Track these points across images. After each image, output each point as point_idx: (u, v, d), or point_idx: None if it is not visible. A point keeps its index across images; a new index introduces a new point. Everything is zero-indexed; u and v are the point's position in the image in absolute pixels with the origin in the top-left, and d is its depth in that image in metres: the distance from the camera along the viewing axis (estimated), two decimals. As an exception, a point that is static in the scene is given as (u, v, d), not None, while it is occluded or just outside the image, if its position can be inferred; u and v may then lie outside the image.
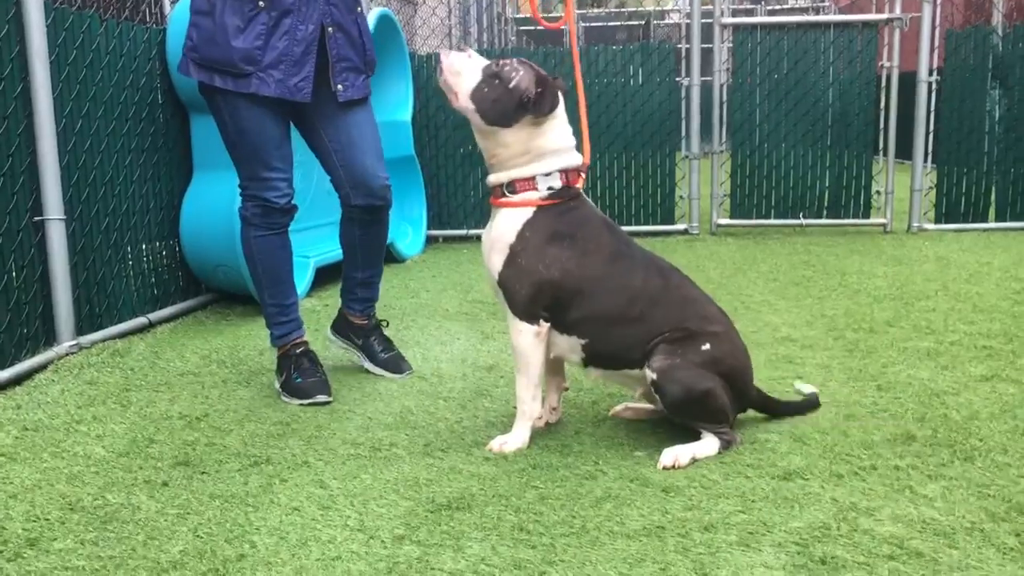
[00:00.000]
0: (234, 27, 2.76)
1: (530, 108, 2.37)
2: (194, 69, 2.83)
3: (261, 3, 2.77)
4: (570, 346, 2.50)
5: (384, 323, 3.34)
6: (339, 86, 2.92)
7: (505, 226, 2.44)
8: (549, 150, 2.43)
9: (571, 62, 6.42)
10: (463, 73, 2.43)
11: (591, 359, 2.51)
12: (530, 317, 2.44)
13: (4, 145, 3.22)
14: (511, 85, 2.37)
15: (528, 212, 2.43)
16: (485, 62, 2.45)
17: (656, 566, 1.83)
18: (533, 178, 2.42)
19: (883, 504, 2.07)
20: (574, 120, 2.52)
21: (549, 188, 2.43)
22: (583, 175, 2.50)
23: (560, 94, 2.44)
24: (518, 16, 14.49)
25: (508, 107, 2.37)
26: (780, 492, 2.15)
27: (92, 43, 3.73)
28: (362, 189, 3.02)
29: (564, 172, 2.44)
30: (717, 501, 2.12)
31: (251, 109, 2.83)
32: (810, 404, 2.68)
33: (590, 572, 1.82)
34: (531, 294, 2.42)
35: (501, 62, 2.43)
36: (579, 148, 2.51)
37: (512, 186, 2.44)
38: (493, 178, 2.48)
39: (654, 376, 2.38)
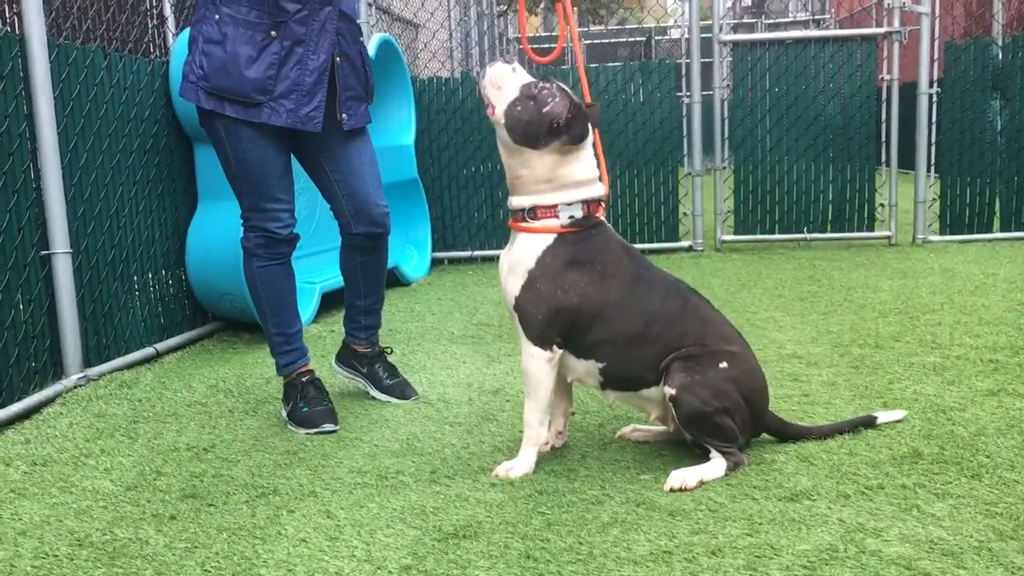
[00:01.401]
0: (246, 57, 2.79)
1: (560, 134, 2.37)
2: (204, 97, 2.83)
3: (273, 32, 2.79)
4: (587, 370, 2.50)
5: (389, 350, 3.35)
6: (343, 115, 2.94)
7: (525, 251, 2.44)
8: (573, 181, 2.42)
9: (572, 81, 6.48)
10: (502, 87, 2.43)
11: (608, 382, 2.51)
12: (544, 342, 2.44)
13: (10, 180, 3.25)
14: (545, 109, 2.37)
15: (548, 239, 2.43)
16: (527, 79, 2.44)
17: (663, 592, 1.83)
18: (555, 206, 2.42)
19: (891, 524, 2.06)
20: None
21: (570, 217, 2.43)
22: (604, 205, 2.52)
23: (591, 124, 2.43)
24: (519, 36, 14.57)
25: (539, 130, 2.37)
26: (787, 514, 2.14)
27: (95, 77, 3.77)
28: (363, 217, 3.04)
29: (586, 203, 2.44)
30: (724, 524, 2.11)
31: (254, 140, 2.85)
32: (829, 429, 2.64)
33: (597, 600, 1.82)
34: (547, 319, 2.42)
35: (540, 84, 2.41)
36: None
37: (533, 212, 2.44)
38: (516, 201, 2.47)
39: (673, 392, 2.39)
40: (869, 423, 2.67)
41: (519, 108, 2.39)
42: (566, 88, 2.43)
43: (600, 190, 2.48)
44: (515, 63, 2.49)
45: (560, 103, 2.38)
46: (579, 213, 2.44)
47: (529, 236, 2.45)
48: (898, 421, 2.70)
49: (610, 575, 1.91)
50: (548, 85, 2.42)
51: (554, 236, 2.43)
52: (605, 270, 2.44)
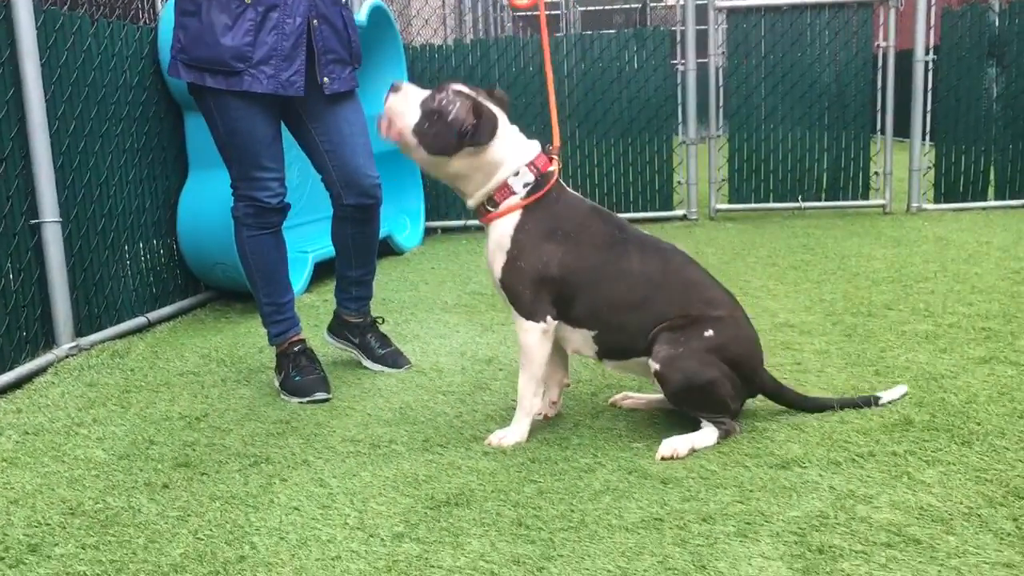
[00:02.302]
0: (222, 25, 2.76)
1: (468, 139, 2.39)
2: (184, 70, 2.83)
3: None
4: (583, 339, 2.51)
5: (380, 320, 3.34)
6: (325, 79, 2.91)
7: (500, 233, 2.46)
8: (503, 158, 2.43)
9: (567, 48, 6.43)
10: (404, 113, 2.45)
11: (604, 352, 2.52)
12: (534, 315, 2.45)
13: (-3, 149, 3.22)
14: (449, 119, 2.39)
15: (516, 215, 2.44)
16: (422, 96, 2.45)
17: (654, 559, 1.84)
18: (506, 184, 2.44)
19: (881, 491, 2.07)
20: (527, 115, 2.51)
21: (525, 185, 2.44)
22: (554, 157, 2.52)
23: (498, 113, 2.45)
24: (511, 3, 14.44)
25: (448, 139, 2.40)
26: (778, 481, 2.15)
27: (83, 44, 3.72)
28: (354, 188, 3.02)
29: (530, 164, 2.45)
30: (715, 492, 2.12)
31: (241, 109, 2.83)
32: (830, 402, 2.59)
33: (589, 567, 1.82)
34: (533, 292, 2.43)
35: (437, 96, 2.43)
36: (549, 136, 2.56)
37: (492, 200, 2.46)
38: (471, 203, 2.50)
39: (657, 366, 2.39)
40: (870, 403, 2.58)
41: (426, 125, 2.42)
42: (463, 91, 2.44)
43: (535, 147, 2.49)
44: (404, 86, 2.49)
45: (463, 107, 2.40)
46: (531, 176, 2.45)
47: (499, 220, 2.46)
48: (898, 399, 2.62)
49: (602, 542, 1.92)
50: (444, 93, 2.43)
51: (520, 211, 2.44)
52: (580, 237, 2.45)
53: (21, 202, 3.34)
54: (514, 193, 2.44)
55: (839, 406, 2.57)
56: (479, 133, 2.38)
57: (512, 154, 2.45)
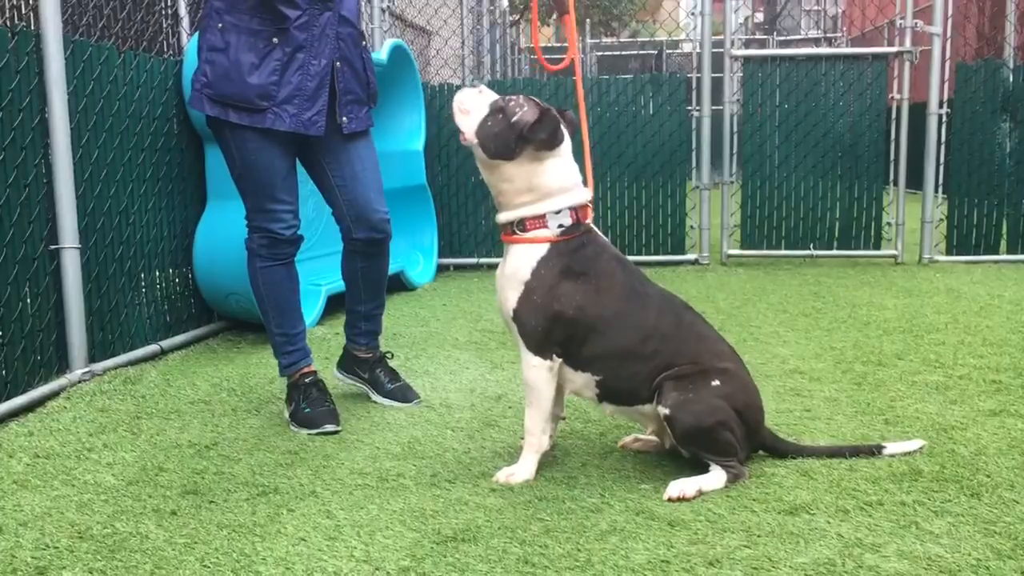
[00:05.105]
0: (249, 64, 2.82)
1: (531, 141, 2.40)
2: (208, 104, 2.88)
3: (275, 39, 2.82)
4: (584, 383, 2.52)
5: (389, 355, 3.36)
6: (344, 118, 2.97)
7: (520, 262, 2.46)
8: (556, 188, 2.45)
9: (583, 91, 6.50)
10: (471, 110, 2.48)
11: (605, 395, 2.53)
12: (543, 352, 2.46)
13: (21, 174, 3.27)
14: (513, 119, 2.41)
15: (542, 249, 2.45)
16: (494, 97, 2.49)
17: (660, 601, 1.83)
18: (543, 216, 2.45)
19: (889, 540, 2.06)
20: (578, 153, 2.54)
21: (560, 226, 2.45)
22: (590, 208, 2.53)
23: (565, 130, 2.46)
24: (531, 46, 14.61)
25: (509, 140, 2.40)
26: (786, 527, 2.15)
27: (109, 75, 3.79)
28: (363, 223, 3.07)
29: (574, 209, 2.46)
30: (723, 535, 2.12)
31: (259, 143, 2.88)
32: (827, 450, 2.60)
33: (594, 606, 1.82)
34: (545, 330, 2.44)
35: (508, 98, 2.46)
36: (583, 180, 2.55)
37: (522, 224, 2.46)
38: (503, 216, 2.50)
39: (667, 411, 2.40)
40: (874, 452, 2.57)
41: (489, 123, 2.44)
42: (535, 99, 2.46)
43: (585, 194, 2.51)
44: (481, 86, 2.53)
45: (528, 111, 2.41)
46: (568, 221, 2.46)
47: (522, 247, 2.47)
48: (909, 453, 2.58)
49: (607, 582, 1.91)
50: (516, 98, 2.46)
51: (547, 246, 2.45)
52: (599, 284, 2.46)
53: (42, 227, 3.38)
54: (546, 228, 2.45)
55: (845, 454, 2.56)
56: (541, 134, 2.38)
57: (564, 191, 2.45)
